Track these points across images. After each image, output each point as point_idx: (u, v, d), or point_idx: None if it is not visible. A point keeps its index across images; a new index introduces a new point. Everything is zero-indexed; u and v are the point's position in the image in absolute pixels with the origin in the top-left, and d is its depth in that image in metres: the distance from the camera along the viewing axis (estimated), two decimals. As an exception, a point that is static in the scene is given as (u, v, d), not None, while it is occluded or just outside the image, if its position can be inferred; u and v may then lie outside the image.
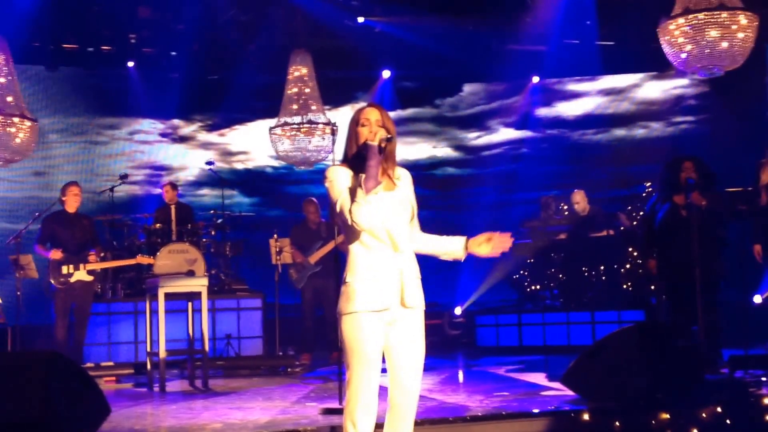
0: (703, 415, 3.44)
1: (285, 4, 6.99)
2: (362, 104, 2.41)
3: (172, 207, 6.69)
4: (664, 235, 4.77)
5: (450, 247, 2.39)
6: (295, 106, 6.72)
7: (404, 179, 2.37)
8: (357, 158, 2.30)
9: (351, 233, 2.29)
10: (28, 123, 6.02)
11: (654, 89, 8.53)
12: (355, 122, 2.34)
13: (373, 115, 2.32)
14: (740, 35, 4.85)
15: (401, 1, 7.23)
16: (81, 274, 5.34)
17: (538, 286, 7.03)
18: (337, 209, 2.28)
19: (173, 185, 6.85)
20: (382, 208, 2.25)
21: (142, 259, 5.69)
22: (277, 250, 6.16)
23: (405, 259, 2.31)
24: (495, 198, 8.41)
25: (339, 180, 2.30)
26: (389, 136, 2.26)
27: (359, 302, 2.26)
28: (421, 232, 2.41)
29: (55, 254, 5.31)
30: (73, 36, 7.43)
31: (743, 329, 4.62)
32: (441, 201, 8.67)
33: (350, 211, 2.23)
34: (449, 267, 8.61)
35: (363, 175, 2.23)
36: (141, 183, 8.37)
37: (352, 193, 2.24)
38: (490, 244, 2.36)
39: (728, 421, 3.44)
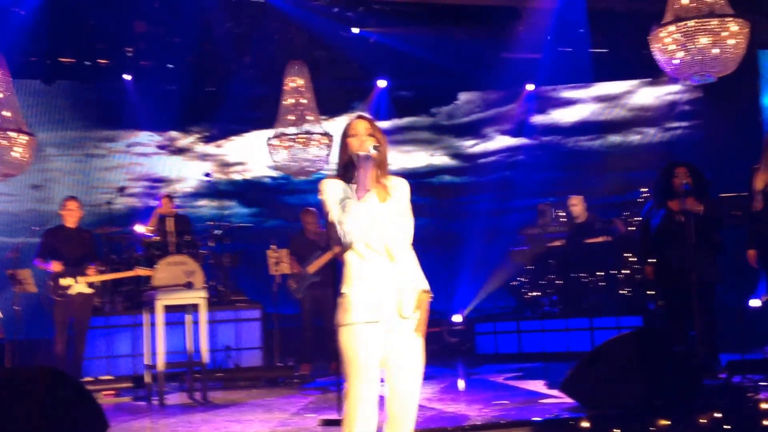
0: (702, 420, 3.44)
1: (280, 16, 7.04)
2: (356, 115, 2.46)
3: (170, 219, 6.69)
4: (660, 240, 4.78)
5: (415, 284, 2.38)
6: (291, 117, 6.75)
7: (400, 189, 2.40)
8: (347, 169, 2.34)
9: (347, 244, 2.32)
10: (25, 137, 6.04)
11: (648, 95, 8.58)
12: (345, 134, 2.40)
13: (361, 125, 2.37)
14: (731, 42, 4.89)
15: (396, 12, 7.28)
16: (80, 287, 5.35)
17: (536, 293, 7.04)
18: (330, 220, 2.32)
19: (170, 197, 6.87)
20: (373, 216, 2.28)
21: (141, 271, 5.69)
22: (275, 260, 6.16)
23: (401, 269, 2.33)
24: (492, 205, 8.44)
25: (331, 192, 2.34)
26: (376, 144, 2.30)
27: (356, 313, 2.27)
28: (408, 249, 2.40)
29: (56, 266, 5.32)
30: (69, 50, 7.47)
31: (740, 334, 4.63)
32: (438, 209, 8.70)
33: (341, 222, 2.26)
34: (448, 275, 8.62)
35: (354, 185, 2.26)
36: (139, 195, 8.38)
37: (343, 203, 2.27)
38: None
39: (727, 427, 3.44)
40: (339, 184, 2.35)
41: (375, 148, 2.29)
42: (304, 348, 6.17)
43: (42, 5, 6.52)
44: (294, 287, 6.22)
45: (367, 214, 2.26)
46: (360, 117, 2.41)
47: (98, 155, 8.43)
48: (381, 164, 2.35)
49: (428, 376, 5.26)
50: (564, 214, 7.12)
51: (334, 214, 2.30)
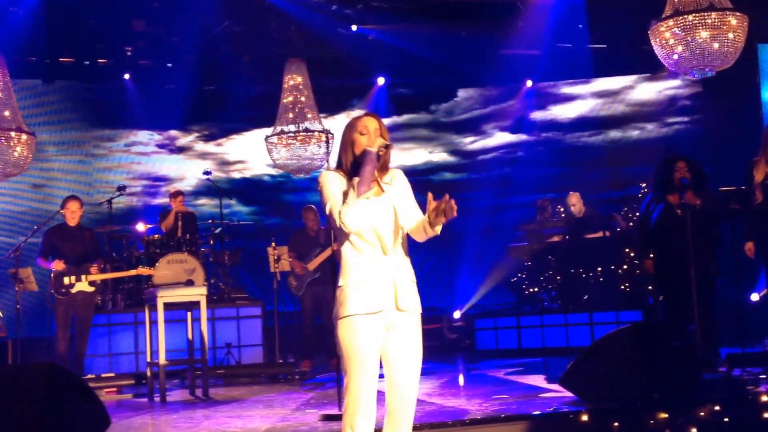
0: (702, 414, 3.44)
1: (279, 14, 7.04)
2: (359, 112, 2.46)
3: (179, 215, 6.70)
4: (659, 235, 4.79)
5: (425, 226, 2.34)
6: (290, 115, 6.76)
7: (398, 181, 2.41)
8: (353, 164, 2.35)
9: (343, 237, 2.33)
10: (25, 136, 6.06)
11: (647, 90, 8.59)
12: (353, 130, 2.38)
13: (372, 124, 2.37)
14: (730, 35, 4.89)
15: (394, 9, 7.28)
16: (82, 285, 5.37)
17: (536, 289, 7.05)
18: (327, 212, 2.33)
19: (183, 194, 6.92)
20: (371, 212, 2.29)
21: (144, 271, 5.70)
22: (276, 257, 6.18)
23: (397, 262, 2.34)
24: (491, 202, 8.45)
25: (330, 185, 2.34)
26: (387, 143, 2.32)
27: (352, 305, 2.28)
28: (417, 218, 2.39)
29: (58, 265, 5.33)
30: (69, 49, 7.48)
31: (740, 327, 4.64)
32: (438, 206, 8.67)
33: (339, 213, 2.27)
34: (448, 271, 8.64)
35: (356, 179, 2.28)
36: (139, 194, 8.41)
37: (344, 196, 2.29)
38: (441, 214, 2.28)
39: (726, 420, 3.44)
40: (338, 177, 2.36)
41: (386, 147, 2.30)
42: (305, 345, 6.19)
43: (41, 5, 6.53)
44: (294, 284, 6.24)
45: (366, 211, 2.27)
46: (370, 115, 2.40)
47: (98, 154, 8.46)
48: (384, 164, 2.36)
49: (429, 372, 5.29)
50: (563, 209, 7.13)
51: (331, 206, 2.31)
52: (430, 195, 2.32)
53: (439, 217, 2.28)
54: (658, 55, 5.09)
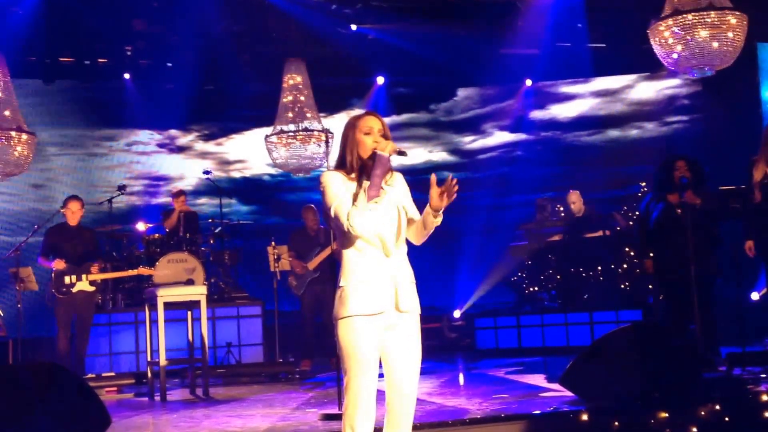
0: (702, 413, 3.44)
1: (278, 13, 7.05)
2: (359, 111, 2.44)
3: (182, 215, 6.71)
4: (659, 234, 4.79)
5: (426, 217, 2.32)
6: (290, 114, 6.77)
7: (398, 183, 2.41)
8: (359, 165, 2.32)
9: (344, 238, 2.32)
10: (25, 136, 6.07)
11: (647, 90, 8.59)
12: (356, 129, 2.36)
13: (376, 124, 2.35)
14: (730, 35, 4.89)
15: (394, 9, 7.29)
16: (83, 285, 5.38)
17: (536, 288, 7.06)
18: (331, 214, 2.31)
19: (185, 194, 6.92)
20: (378, 217, 2.28)
21: (144, 270, 5.71)
22: (275, 257, 6.18)
23: (397, 263, 2.33)
24: (491, 201, 8.46)
25: (333, 185, 2.32)
26: (402, 150, 2.30)
27: (353, 306, 2.28)
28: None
29: (59, 264, 5.34)
30: (69, 49, 7.49)
31: (740, 326, 4.64)
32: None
33: (348, 215, 2.25)
34: (447, 271, 8.63)
35: (366, 183, 2.26)
36: (139, 194, 8.41)
37: (353, 198, 2.27)
38: (443, 196, 2.25)
39: (727, 419, 3.45)
40: (341, 177, 2.33)
41: (400, 154, 2.28)
42: (305, 344, 6.19)
43: (41, 5, 6.54)
44: (294, 284, 6.25)
45: (375, 216, 2.26)
46: (372, 114, 2.38)
47: (98, 154, 8.46)
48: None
49: (429, 371, 5.29)
50: (562, 208, 7.14)
51: (336, 208, 2.28)
52: (433, 176, 2.26)
53: (442, 200, 2.23)
54: (658, 55, 5.09)
